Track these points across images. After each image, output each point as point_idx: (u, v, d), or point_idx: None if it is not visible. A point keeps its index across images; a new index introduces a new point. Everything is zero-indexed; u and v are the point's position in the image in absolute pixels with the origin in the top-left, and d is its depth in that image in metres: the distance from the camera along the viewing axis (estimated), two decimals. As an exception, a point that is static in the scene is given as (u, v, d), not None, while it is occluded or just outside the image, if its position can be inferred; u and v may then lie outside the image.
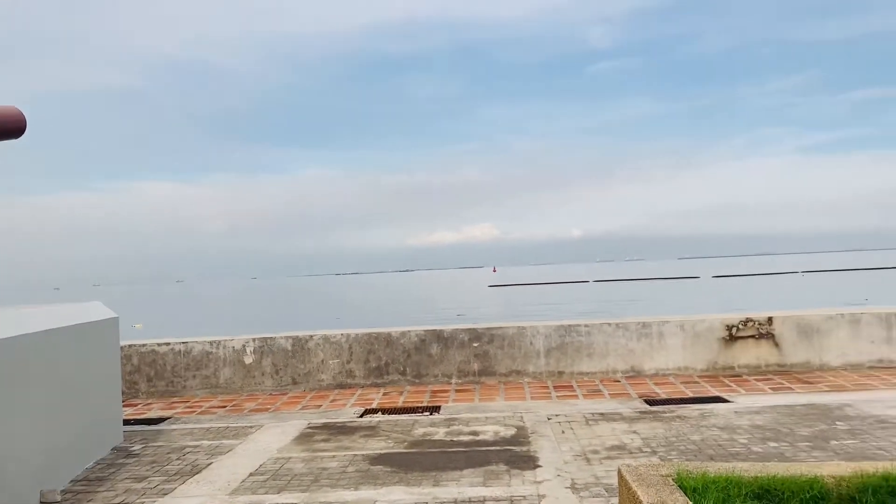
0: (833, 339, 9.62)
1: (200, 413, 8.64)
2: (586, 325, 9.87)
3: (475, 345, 9.81)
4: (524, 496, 5.13)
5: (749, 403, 7.79)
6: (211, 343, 9.90)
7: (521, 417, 7.60)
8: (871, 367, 9.52)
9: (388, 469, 5.93)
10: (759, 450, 6.03)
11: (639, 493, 3.03)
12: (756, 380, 9.16)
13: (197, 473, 6.06)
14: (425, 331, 9.92)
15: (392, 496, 5.24)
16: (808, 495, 3.08)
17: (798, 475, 3.16)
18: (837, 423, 6.80)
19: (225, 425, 7.85)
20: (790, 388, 8.55)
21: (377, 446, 6.68)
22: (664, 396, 8.41)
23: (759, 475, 3.19)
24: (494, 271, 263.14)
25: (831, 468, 3.27)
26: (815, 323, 9.67)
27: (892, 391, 8.13)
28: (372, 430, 7.31)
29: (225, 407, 8.95)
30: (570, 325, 9.89)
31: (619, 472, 3.42)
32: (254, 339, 9.93)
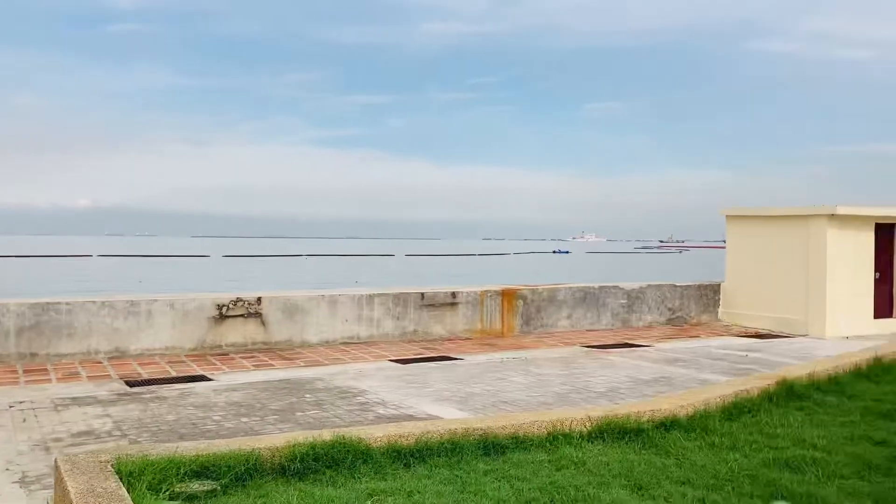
0: (314, 317, 10.48)
1: None
2: (67, 304, 9.11)
3: (-77, 325, 8.32)
4: (-43, 498, 4.49)
5: (230, 381, 8.03)
6: None
7: (-27, 408, 6.68)
8: (343, 343, 10.61)
9: None
10: (231, 425, 6.23)
11: (68, 482, 2.86)
12: (242, 357, 9.51)
13: None
14: None
15: None
16: (244, 468, 3.27)
17: (237, 450, 3.34)
18: (307, 395, 7.40)
19: None
20: (271, 365, 9.06)
21: None
22: (147, 377, 8.21)
23: (200, 453, 3.28)
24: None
25: (268, 441, 3.52)
26: (299, 303, 10.41)
27: (356, 364, 9.17)
28: None
29: None
30: (48, 304, 9.02)
31: (55, 462, 3.19)
32: None
